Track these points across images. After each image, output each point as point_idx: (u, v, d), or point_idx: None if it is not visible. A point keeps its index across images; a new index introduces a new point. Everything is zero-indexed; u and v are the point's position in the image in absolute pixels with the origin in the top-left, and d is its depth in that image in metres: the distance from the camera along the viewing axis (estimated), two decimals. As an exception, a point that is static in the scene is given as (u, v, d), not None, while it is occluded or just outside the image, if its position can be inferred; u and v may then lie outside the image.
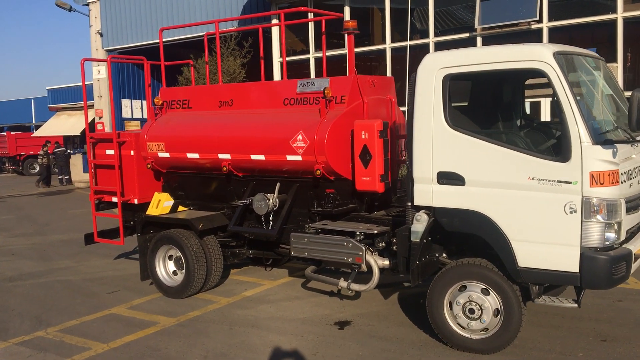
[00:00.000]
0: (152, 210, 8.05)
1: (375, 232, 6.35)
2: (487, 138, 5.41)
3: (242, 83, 7.95)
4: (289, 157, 6.91)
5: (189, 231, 7.78)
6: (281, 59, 17.62)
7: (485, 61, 5.35)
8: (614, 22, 13.14)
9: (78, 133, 27.16)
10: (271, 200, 7.18)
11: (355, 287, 6.56)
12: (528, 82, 7.07)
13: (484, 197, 5.41)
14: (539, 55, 5.16)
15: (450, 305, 5.75)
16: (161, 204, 8.02)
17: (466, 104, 6.58)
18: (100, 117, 24.49)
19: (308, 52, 17.26)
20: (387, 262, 6.48)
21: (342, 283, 6.64)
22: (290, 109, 7.19)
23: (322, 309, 7.23)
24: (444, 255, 6.31)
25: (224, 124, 7.54)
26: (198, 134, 7.71)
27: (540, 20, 13.89)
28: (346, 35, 7.06)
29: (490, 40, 14.78)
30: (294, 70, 17.09)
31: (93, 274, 9.40)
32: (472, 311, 5.61)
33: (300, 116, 6.98)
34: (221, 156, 7.50)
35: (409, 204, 5.98)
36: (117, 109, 23.10)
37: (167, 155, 8.03)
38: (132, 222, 8.90)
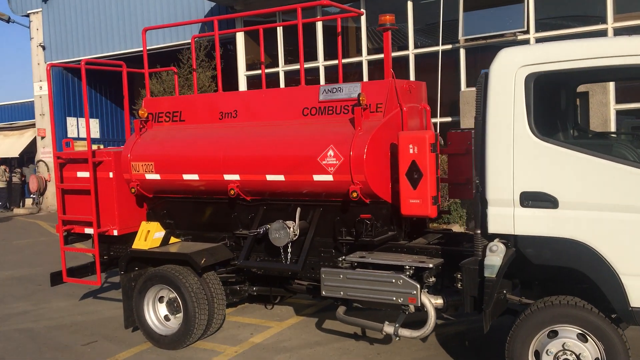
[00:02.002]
0: (139, 244, 6.70)
1: (431, 265, 5.27)
2: (590, 150, 4.45)
3: (249, 91, 6.78)
4: (317, 177, 5.77)
5: (185, 267, 6.49)
6: (256, 71, 16.51)
7: (586, 56, 4.38)
8: (604, 33, 12.68)
9: (17, 155, 24.94)
10: (292, 229, 6.00)
11: (405, 333, 5.45)
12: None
13: (585, 223, 4.43)
14: None
15: (537, 355, 4.72)
16: (150, 235, 6.68)
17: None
18: (42, 137, 22.53)
19: (277, 65, 16.17)
20: (440, 301, 5.42)
21: (388, 328, 5.51)
22: (312, 120, 6.07)
23: (353, 357, 6.07)
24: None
25: (230, 139, 6.32)
26: (198, 151, 6.45)
27: (527, 31, 13.32)
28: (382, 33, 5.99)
29: (474, 52, 14.15)
30: (257, 86, 15.95)
31: (59, 319, 7.89)
32: (567, 362, 4.59)
33: (327, 128, 5.86)
34: (228, 177, 6.27)
35: (478, 231, 4.94)
36: (60, 127, 21.22)
37: (156, 177, 6.72)
38: (105, 257, 7.52)
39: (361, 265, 5.64)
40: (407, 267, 5.32)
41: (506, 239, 4.79)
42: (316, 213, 6.12)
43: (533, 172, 4.59)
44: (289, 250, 6.14)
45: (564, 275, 4.96)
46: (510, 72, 4.64)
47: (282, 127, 6.16)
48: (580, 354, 4.55)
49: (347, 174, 5.59)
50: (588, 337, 4.56)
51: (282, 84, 15.84)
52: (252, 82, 16.55)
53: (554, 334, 4.67)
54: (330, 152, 5.65)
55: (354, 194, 5.59)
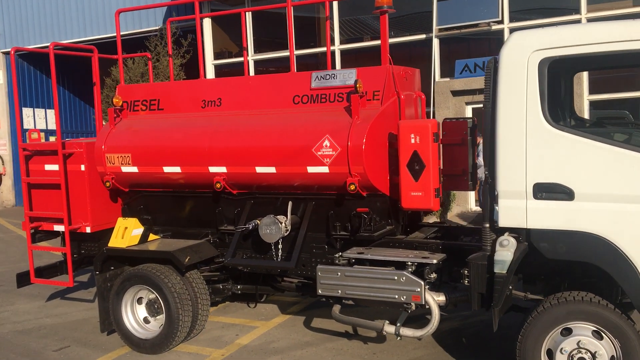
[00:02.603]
0: (116, 241, 6.24)
1: (435, 261, 5.01)
2: (608, 140, 4.24)
3: (234, 77, 6.36)
4: (311, 169, 5.43)
5: (166, 266, 6.07)
6: (224, 60, 16.01)
7: (606, 40, 4.15)
8: (578, 23, 12.66)
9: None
10: (284, 224, 5.65)
11: (408, 332, 5.18)
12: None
13: (603, 215, 4.23)
14: None
15: (550, 354, 4.51)
16: (128, 232, 6.23)
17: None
18: (-4, 129, 21.47)
19: (247, 54, 15.66)
20: (442, 297, 5.17)
21: (388, 327, 5.23)
22: (304, 109, 5.72)
23: (348, 358, 5.78)
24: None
25: (216, 129, 5.92)
26: (180, 142, 6.03)
27: (501, 21, 13.22)
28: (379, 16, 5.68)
29: (448, 42, 13.98)
30: (226, 76, 15.47)
31: (25, 322, 7.36)
32: (582, 361, 4.40)
33: (322, 117, 5.53)
34: (213, 169, 5.88)
35: (486, 225, 4.69)
36: (15, 118, 20.24)
37: (134, 170, 6.27)
38: (75, 256, 7.04)
39: (358, 262, 5.35)
40: (410, 263, 5.04)
41: (517, 232, 4.56)
42: (308, 207, 5.79)
43: (547, 162, 4.36)
44: (280, 246, 5.80)
45: (570, 269, 4.77)
46: (523, 56, 4.39)
47: (272, 116, 5.79)
48: (595, 352, 4.36)
49: (344, 166, 5.28)
50: (603, 334, 4.37)
51: (252, 74, 15.38)
52: (221, 71, 16.05)
53: (567, 332, 4.47)
54: (326, 143, 5.32)
55: (352, 187, 5.27)
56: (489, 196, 4.65)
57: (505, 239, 4.54)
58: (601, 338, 4.38)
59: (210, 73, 16.12)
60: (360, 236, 5.40)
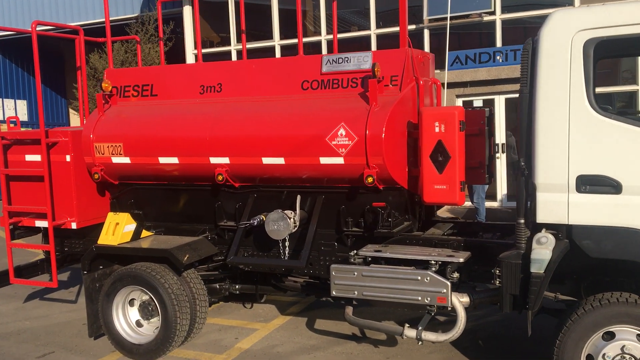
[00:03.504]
0: (107, 239, 5.73)
1: (462, 260, 4.64)
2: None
3: (236, 61, 5.89)
4: (324, 160, 5.01)
5: (161, 265, 5.59)
6: (206, 49, 15.42)
7: (663, 19, 3.81)
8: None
9: None
10: (292, 220, 5.21)
11: (431, 337, 4.79)
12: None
13: (654, 211, 3.89)
14: None
15: (590, 359, 4.18)
16: (119, 228, 5.72)
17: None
18: (-37, 120, 20.50)
19: (229, 44, 15.16)
20: (466, 299, 4.80)
21: (409, 332, 4.83)
22: (314, 95, 5.29)
23: (360, 362, 5.39)
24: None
25: (218, 117, 5.44)
26: (178, 131, 5.54)
27: (493, 12, 12.96)
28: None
29: (438, 34, 13.66)
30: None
31: (3, 326, 6.79)
32: (627, 367, 4.07)
33: (335, 104, 5.10)
34: (214, 160, 5.41)
35: (521, 220, 4.33)
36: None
37: (126, 160, 5.76)
38: (58, 254, 6.51)
39: (374, 261, 4.94)
40: (434, 262, 4.65)
41: (556, 229, 4.21)
42: (318, 201, 5.36)
43: (592, 152, 4.01)
44: (287, 243, 5.36)
45: (603, 268, 4.45)
46: (566, 37, 4.03)
47: (280, 102, 5.34)
48: (641, 357, 4.04)
49: (361, 157, 4.86)
50: (649, 338, 4.05)
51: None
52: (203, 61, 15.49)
53: (609, 336, 4.14)
54: (342, 132, 4.89)
55: (369, 179, 4.86)
56: (524, 190, 4.28)
57: (543, 236, 4.18)
58: (646, 343, 4.06)
59: (191, 62, 15.56)
60: (379, 232, 5.00)
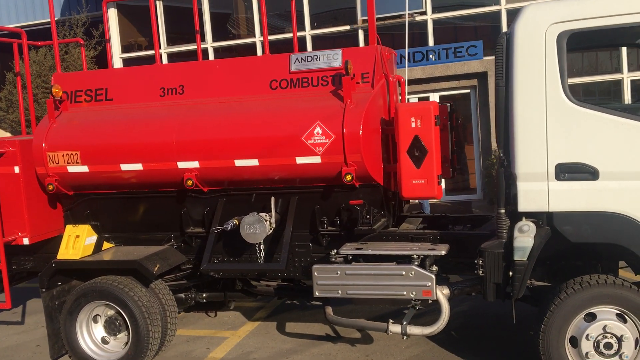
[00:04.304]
0: (67, 253, 5.40)
1: (444, 252, 4.69)
2: (633, 115, 4.09)
3: (197, 62, 5.69)
4: (300, 160, 4.94)
5: (127, 278, 5.34)
6: (133, 53, 14.94)
7: (633, 10, 3.99)
8: (497, 14, 12.97)
9: None
10: (269, 222, 5.10)
11: (415, 330, 4.82)
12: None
13: (630, 194, 4.09)
14: None
15: (573, 341, 4.33)
16: (80, 241, 5.41)
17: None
18: None
19: (159, 47, 14.71)
20: (447, 291, 4.87)
21: (394, 327, 4.84)
22: (283, 94, 5.20)
23: (340, 362, 5.35)
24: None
25: (183, 120, 5.25)
26: (141, 136, 5.29)
27: (425, 12, 13.29)
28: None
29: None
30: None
31: (-55, 355, 6.27)
32: (608, 346, 4.25)
33: (308, 103, 5.04)
34: (183, 165, 5.21)
35: (501, 210, 4.44)
36: None
37: (83, 169, 5.45)
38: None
39: (354, 259, 4.92)
40: (416, 256, 4.68)
41: (536, 217, 4.33)
42: (292, 202, 5.28)
43: (569, 141, 4.16)
44: (262, 247, 5.25)
45: (576, 252, 4.62)
46: (540, 30, 4.16)
47: (248, 103, 5.22)
48: (622, 335, 4.23)
49: (339, 155, 4.83)
50: (627, 317, 4.25)
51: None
52: (129, 65, 14.97)
53: (591, 317, 4.31)
54: (318, 130, 4.84)
55: (348, 177, 4.83)
56: (504, 180, 4.39)
57: (525, 224, 4.31)
58: (625, 321, 4.25)
59: (118, 66, 15.01)
60: (359, 230, 4.98)
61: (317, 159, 4.89)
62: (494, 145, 12.13)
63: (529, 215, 4.36)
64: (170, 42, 14.74)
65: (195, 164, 5.18)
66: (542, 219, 4.32)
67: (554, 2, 4.23)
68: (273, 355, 5.60)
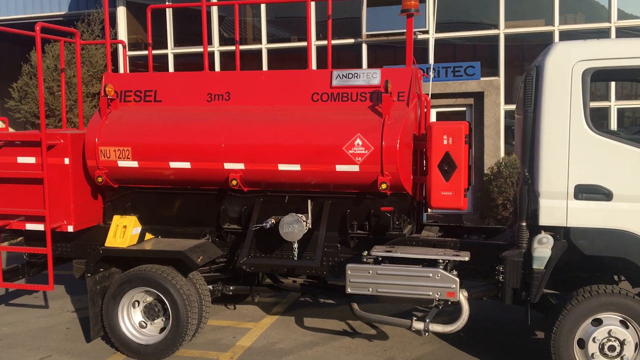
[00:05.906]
0: (115, 241, 5.80)
1: (467, 258, 5.21)
2: (647, 145, 4.67)
3: (244, 71, 6.14)
4: (340, 167, 5.42)
5: (169, 267, 5.75)
6: (139, 52, 15.22)
7: (644, 55, 4.58)
8: (496, 37, 13.63)
9: None
10: (305, 223, 5.57)
11: (437, 328, 5.33)
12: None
13: (638, 215, 4.65)
14: None
15: (581, 343, 4.88)
16: (127, 231, 5.81)
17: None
18: None
19: (166, 47, 15.09)
20: (466, 293, 5.39)
21: (417, 324, 5.34)
22: (324, 107, 5.69)
23: (361, 355, 5.82)
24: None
25: (231, 124, 5.69)
26: (191, 137, 5.72)
27: (427, 31, 13.88)
28: (406, 18, 5.78)
29: (375, 48, 14.41)
30: (143, 68, 14.76)
31: (-21, 333, 6.59)
32: (612, 348, 4.81)
33: (348, 116, 5.53)
34: (228, 166, 5.65)
35: (523, 223, 4.98)
36: None
37: (133, 164, 5.86)
38: (37, 259, 6.57)
39: (385, 261, 5.41)
40: (441, 260, 5.19)
41: (555, 231, 4.87)
42: (325, 206, 5.75)
43: (588, 165, 4.71)
44: (296, 245, 5.70)
45: (584, 264, 5.17)
46: (567, 66, 4.72)
47: (292, 113, 5.69)
48: (624, 339, 4.78)
49: (376, 165, 5.32)
50: (629, 323, 4.80)
51: (171, 68, 14.82)
52: (135, 63, 15.28)
53: (597, 323, 4.85)
54: (358, 141, 5.33)
55: (383, 186, 5.33)
56: (527, 196, 4.92)
57: (544, 237, 4.84)
58: (627, 327, 4.81)
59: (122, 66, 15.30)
60: (390, 235, 5.47)
61: (355, 168, 5.38)
62: (487, 162, 12.76)
63: (548, 228, 4.90)
64: (177, 41, 15.08)
65: (240, 166, 5.62)
66: (559, 232, 4.86)
67: (582, 41, 4.80)
68: (297, 346, 6.05)
